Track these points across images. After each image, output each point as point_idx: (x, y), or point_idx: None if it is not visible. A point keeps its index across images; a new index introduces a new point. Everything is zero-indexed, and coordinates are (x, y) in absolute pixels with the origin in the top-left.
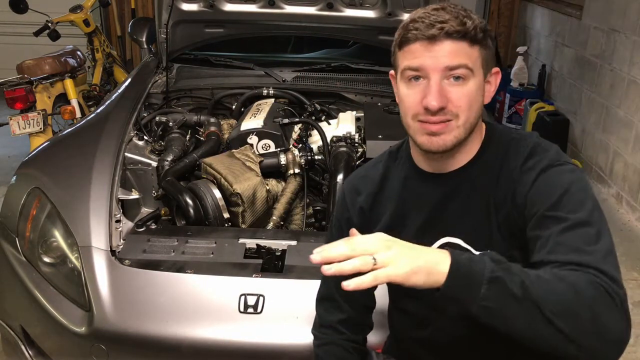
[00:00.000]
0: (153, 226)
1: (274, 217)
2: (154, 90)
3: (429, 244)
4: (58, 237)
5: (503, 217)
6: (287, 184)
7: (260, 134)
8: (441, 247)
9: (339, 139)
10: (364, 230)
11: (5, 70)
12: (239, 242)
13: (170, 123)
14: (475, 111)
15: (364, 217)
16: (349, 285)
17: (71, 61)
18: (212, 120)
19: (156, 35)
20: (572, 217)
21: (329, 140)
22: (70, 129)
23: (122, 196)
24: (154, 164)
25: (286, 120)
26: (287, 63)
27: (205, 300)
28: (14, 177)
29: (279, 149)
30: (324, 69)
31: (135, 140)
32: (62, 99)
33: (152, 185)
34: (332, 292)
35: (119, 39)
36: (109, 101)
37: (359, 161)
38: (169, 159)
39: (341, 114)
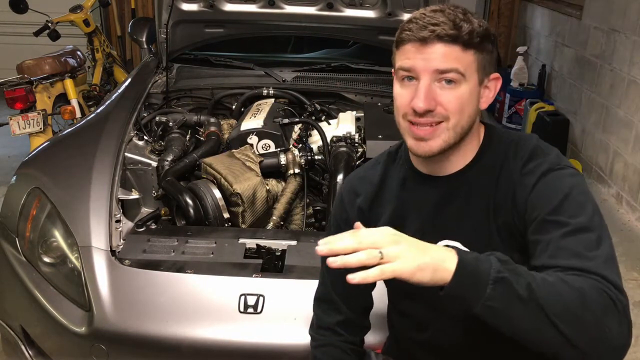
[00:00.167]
0: (153, 226)
1: (274, 217)
2: (154, 90)
3: None
4: (58, 237)
5: (502, 220)
6: (287, 184)
7: (260, 134)
8: None
9: (339, 139)
10: None
11: (5, 70)
12: (239, 242)
13: (170, 123)
14: (468, 115)
15: (362, 218)
16: (354, 278)
17: (71, 61)
18: (212, 120)
19: (156, 35)
20: (573, 222)
21: (329, 140)
22: (70, 129)
23: (122, 196)
24: (154, 164)
25: (286, 120)
26: (287, 63)
27: (205, 300)
28: (14, 177)
29: (279, 149)
30: (324, 69)
31: (135, 140)
32: (62, 99)
33: (152, 185)
34: (330, 293)
35: (119, 39)
36: (109, 101)
37: (359, 161)
38: (169, 159)
39: (341, 114)
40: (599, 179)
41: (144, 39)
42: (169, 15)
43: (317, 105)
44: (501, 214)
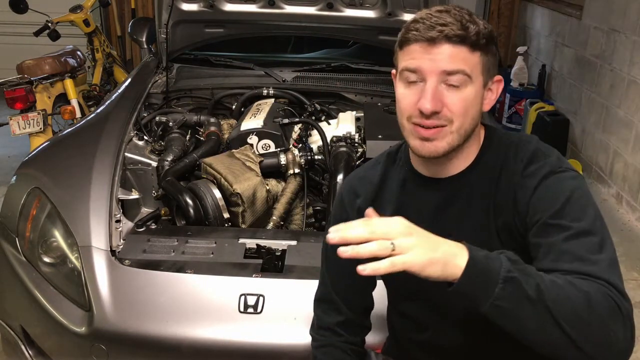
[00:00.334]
0: (153, 226)
1: (274, 217)
2: (154, 90)
3: None
4: (58, 237)
5: (503, 222)
6: (287, 184)
7: (260, 134)
8: None
9: (339, 139)
10: None
11: (5, 70)
12: (239, 242)
13: (170, 123)
14: (472, 118)
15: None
16: (364, 269)
17: (71, 61)
18: (212, 120)
19: (156, 35)
20: (575, 226)
21: (329, 140)
22: (70, 129)
23: (122, 196)
24: (154, 164)
25: (286, 120)
26: (287, 63)
27: (205, 300)
28: (14, 177)
29: (279, 149)
30: (324, 69)
31: (135, 140)
32: (62, 99)
33: (152, 185)
34: (330, 294)
35: (119, 39)
36: (109, 101)
37: (359, 161)
38: (169, 159)
39: (341, 114)
40: (599, 179)
41: (144, 39)
42: (169, 15)
43: (317, 105)
44: (501, 215)
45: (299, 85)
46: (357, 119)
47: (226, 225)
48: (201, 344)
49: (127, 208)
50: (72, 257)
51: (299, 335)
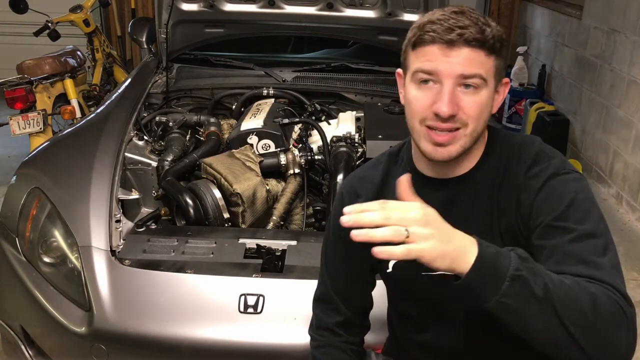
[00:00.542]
0: (153, 226)
1: (274, 217)
2: (154, 90)
3: None
4: (58, 237)
5: (506, 223)
6: (287, 184)
7: (260, 134)
8: None
9: (339, 139)
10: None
11: (5, 70)
12: (239, 242)
13: (170, 123)
14: (484, 121)
15: None
16: (381, 252)
17: (71, 61)
18: (212, 120)
19: (156, 35)
20: (579, 228)
21: (329, 140)
22: (70, 129)
23: (122, 196)
24: (154, 164)
25: (286, 120)
26: (287, 63)
27: (205, 300)
28: (14, 177)
29: (279, 149)
30: (324, 69)
31: (135, 140)
32: (62, 99)
33: (152, 185)
34: (329, 293)
35: (119, 39)
36: (109, 101)
37: (359, 161)
38: (169, 159)
39: (341, 114)
40: (599, 179)
41: (144, 39)
42: (169, 15)
43: (317, 105)
44: (505, 216)
45: (299, 85)
46: (357, 119)
47: (226, 225)
48: (201, 344)
49: (127, 208)
50: (72, 257)
51: (299, 335)
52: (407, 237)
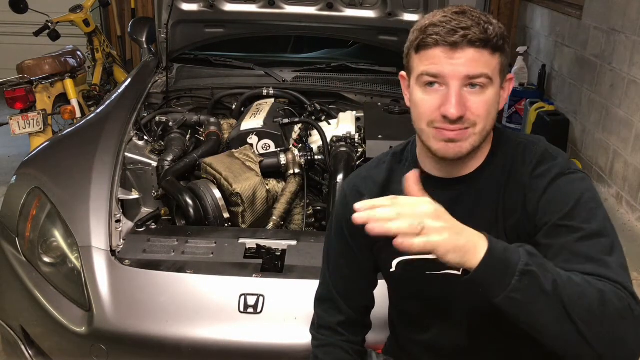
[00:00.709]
0: (153, 226)
1: (274, 217)
2: (154, 90)
3: None
4: (58, 237)
5: (511, 223)
6: (287, 184)
7: (260, 134)
8: None
9: (339, 139)
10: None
11: (5, 70)
12: (239, 242)
13: (170, 123)
14: (492, 119)
15: None
16: (402, 244)
17: (71, 61)
18: (212, 120)
19: (156, 35)
20: (586, 227)
21: (329, 140)
22: (70, 129)
23: (122, 196)
24: (154, 164)
25: (286, 120)
26: (287, 63)
27: (205, 300)
28: (14, 177)
29: (279, 149)
30: (324, 69)
31: (135, 140)
32: (62, 99)
33: (152, 185)
34: (331, 293)
35: (119, 39)
36: (109, 101)
37: (359, 161)
38: (169, 159)
39: (341, 114)
40: (599, 179)
41: (144, 39)
42: (169, 15)
43: (317, 105)
44: (510, 216)
45: (299, 85)
46: (357, 119)
47: (226, 225)
48: (201, 344)
49: (127, 208)
50: (72, 257)
51: (299, 335)
52: (422, 229)
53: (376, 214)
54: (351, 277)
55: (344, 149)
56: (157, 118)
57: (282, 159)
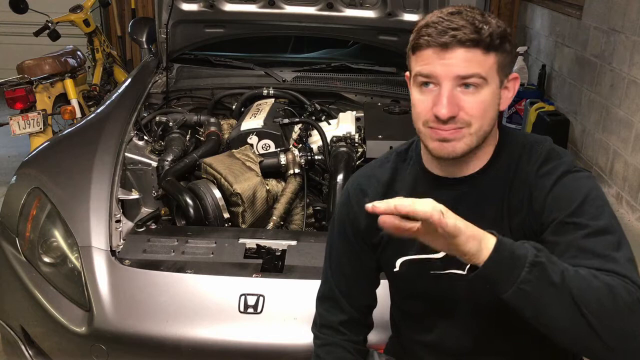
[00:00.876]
0: (153, 226)
1: (274, 217)
2: (154, 90)
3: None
4: (58, 237)
5: (517, 221)
6: (287, 184)
7: (260, 134)
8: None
9: (339, 139)
10: (371, 233)
11: (5, 70)
12: (239, 242)
13: (170, 123)
14: (490, 119)
15: (371, 219)
16: (441, 218)
17: (71, 61)
18: (212, 120)
19: (156, 35)
20: (593, 224)
21: (329, 140)
22: (70, 129)
23: (122, 196)
24: (154, 164)
25: (286, 120)
26: (287, 63)
27: (205, 300)
28: (14, 177)
29: (279, 149)
30: (324, 69)
31: (135, 140)
32: (62, 99)
33: (152, 185)
34: (333, 292)
35: (119, 39)
36: (109, 101)
37: (359, 161)
38: (169, 159)
39: (341, 114)
40: (599, 179)
41: (144, 39)
42: (169, 15)
43: (317, 105)
44: (516, 216)
45: (299, 85)
46: (357, 119)
47: (226, 225)
48: (201, 344)
49: (127, 208)
50: (72, 257)
51: (299, 335)
52: (444, 215)
53: (394, 203)
54: (353, 276)
55: (344, 149)
56: (157, 118)
57: (282, 159)
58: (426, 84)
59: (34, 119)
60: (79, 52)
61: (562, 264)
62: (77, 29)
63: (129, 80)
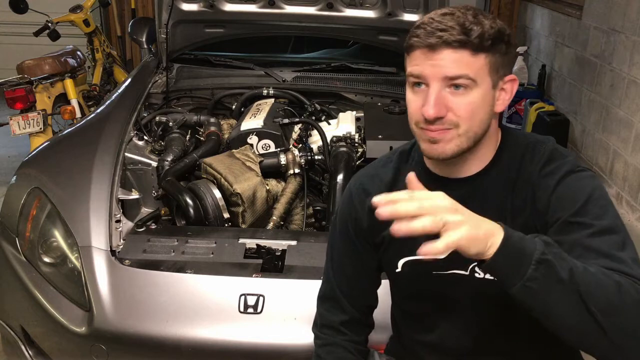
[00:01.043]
0: (153, 226)
1: (274, 217)
2: (154, 90)
3: None
4: (58, 237)
5: (521, 222)
6: (287, 184)
7: (260, 134)
8: (452, 253)
9: (339, 139)
10: (374, 233)
11: (5, 70)
12: (239, 242)
13: (170, 123)
14: (480, 120)
15: (373, 219)
16: (427, 253)
17: (71, 61)
18: (212, 120)
19: (156, 35)
20: (598, 224)
21: (329, 140)
22: (70, 129)
23: (122, 196)
24: (154, 164)
25: (286, 120)
26: (287, 63)
27: (205, 300)
28: (14, 177)
29: (279, 149)
30: (324, 69)
31: (135, 140)
32: (62, 99)
33: (152, 185)
34: (334, 292)
35: (119, 39)
36: (109, 101)
37: (359, 161)
38: (169, 159)
39: (341, 114)
40: (599, 179)
41: (144, 39)
42: (169, 15)
43: (317, 105)
44: (519, 216)
45: (299, 85)
46: (357, 119)
47: (226, 225)
48: (201, 344)
49: (127, 208)
50: (72, 257)
51: (299, 335)
52: (444, 225)
53: (399, 208)
54: (355, 276)
55: (344, 149)
56: (157, 118)
57: (282, 159)
58: (418, 84)
59: (34, 119)
60: (78, 52)
61: (571, 260)
62: (77, 29)
63: (129, 80)
